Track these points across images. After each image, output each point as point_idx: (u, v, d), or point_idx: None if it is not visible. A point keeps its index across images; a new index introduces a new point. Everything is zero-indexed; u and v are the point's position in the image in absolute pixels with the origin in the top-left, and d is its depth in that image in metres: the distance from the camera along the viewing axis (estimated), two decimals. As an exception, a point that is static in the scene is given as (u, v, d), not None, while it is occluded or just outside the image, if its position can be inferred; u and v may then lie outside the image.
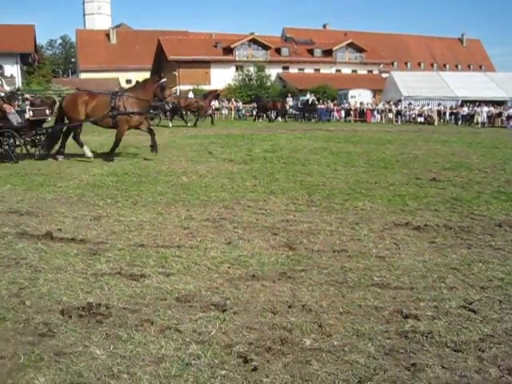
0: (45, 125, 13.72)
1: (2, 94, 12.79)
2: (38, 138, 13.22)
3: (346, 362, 3.14)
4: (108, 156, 12.65)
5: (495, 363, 3.13)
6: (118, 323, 3.61)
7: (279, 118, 36.98)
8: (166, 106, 23.86)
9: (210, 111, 32.33)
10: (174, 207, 7.29)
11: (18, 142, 12.62)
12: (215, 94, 31.75)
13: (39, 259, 4.98)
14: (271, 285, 4.39)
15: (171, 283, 4.37)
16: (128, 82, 74.19)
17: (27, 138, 12.80)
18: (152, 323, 3.60)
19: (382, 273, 4.72)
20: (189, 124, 28.52)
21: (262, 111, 38.25)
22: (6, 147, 12.30)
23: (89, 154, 12.65)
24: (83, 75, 78.59)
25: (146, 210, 7.12)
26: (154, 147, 13.03)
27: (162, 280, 4.45)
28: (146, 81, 13.54)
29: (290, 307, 3.92)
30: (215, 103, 36.53)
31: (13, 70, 59.84)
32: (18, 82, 58.81)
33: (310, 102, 38.19)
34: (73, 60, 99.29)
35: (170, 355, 3.18)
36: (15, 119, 12.30)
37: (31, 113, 12.79)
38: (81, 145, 12.90)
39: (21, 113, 12.63)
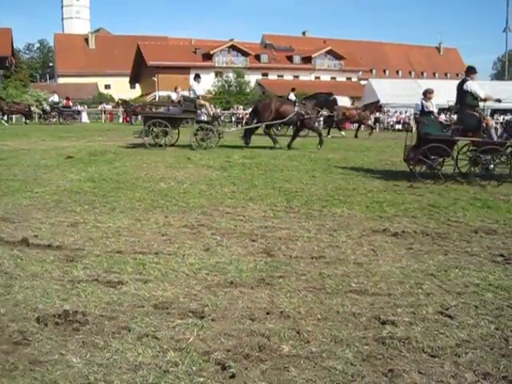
0: None
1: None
2: None
3: (323, 368, 3.14)
4: None
5: (471, 368, 3.16)
6: (94, 331, 3.58)
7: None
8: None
9: (370, 122, 32.05)
10: (152, 213, 7.25)
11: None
12: (377, 106, 32.18)
13: (15, 266, 4.91)
14: (249, 291, 4.38)
15: (149, 290, 4.35)
16: (107, 87, 74.17)
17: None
18: (129, 330, 3.57)
19: (359, 279, 4.73)
20: (343, 133, 28.65)
21: None
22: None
23: None
24: (61, 80, 78.17)
25: (123, 216, 7.07)
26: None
27: (140, 287, 4.42)
28: None
29: (268, 314, 3.91)
30: (375, 114, 36.43)
31: (-12, 73, 59.13)
32: (-5, 87, 58.18)
33: None
34: (51, 64, 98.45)
35: (147, 363, 3.16)
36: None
37: None
38: None
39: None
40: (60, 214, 7.15)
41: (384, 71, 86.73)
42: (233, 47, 72.40)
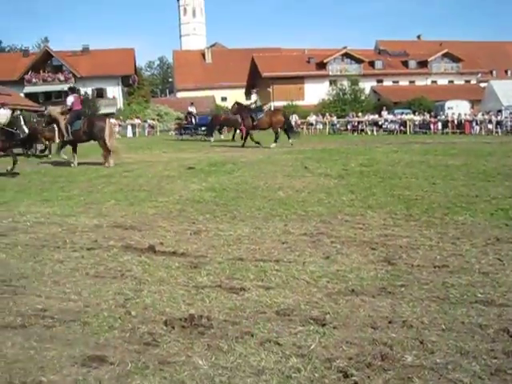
0: None
1: None
2: None
3: (449, 380, 3.05)
4: None
5: None
6: (219, 335, 3.69)
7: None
8: None
9: None
10: (271, 222, 7.36)
11: None
12: None
13: (143, 271, 5.18)
14: (371, 300, 4.34)
15: (270, 297, 4.42)
16: (223, 99, 76.15)
17: None
18: (252, 336, 3.65)
19: (485, 289, 4.54)
20: None
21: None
22: None
23: None
24: (180, 94, 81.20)
25: (244, 224, 7.23)
26: None
27: (262, 293, 4.50)
28: None
29: (390, 323, 3.86)
30: None
31: (115, 91, 62.92)
32: (120, 103, 61.69)
33: None
34: (170, 80, 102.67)
35: (270, 368, 3.21)
36: None
37: None
38: None
39: None
40: (183, 222, 7.44)
41: (506, 72, 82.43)
42: (346, 55, 71.75)
